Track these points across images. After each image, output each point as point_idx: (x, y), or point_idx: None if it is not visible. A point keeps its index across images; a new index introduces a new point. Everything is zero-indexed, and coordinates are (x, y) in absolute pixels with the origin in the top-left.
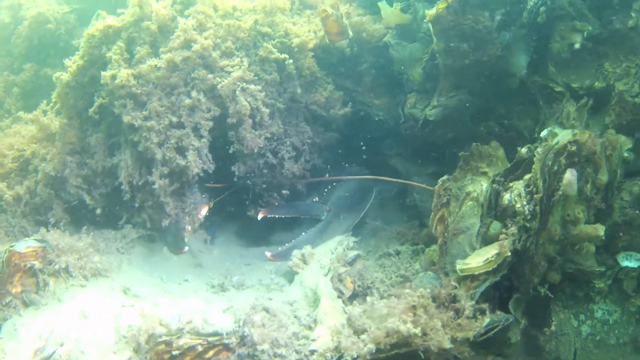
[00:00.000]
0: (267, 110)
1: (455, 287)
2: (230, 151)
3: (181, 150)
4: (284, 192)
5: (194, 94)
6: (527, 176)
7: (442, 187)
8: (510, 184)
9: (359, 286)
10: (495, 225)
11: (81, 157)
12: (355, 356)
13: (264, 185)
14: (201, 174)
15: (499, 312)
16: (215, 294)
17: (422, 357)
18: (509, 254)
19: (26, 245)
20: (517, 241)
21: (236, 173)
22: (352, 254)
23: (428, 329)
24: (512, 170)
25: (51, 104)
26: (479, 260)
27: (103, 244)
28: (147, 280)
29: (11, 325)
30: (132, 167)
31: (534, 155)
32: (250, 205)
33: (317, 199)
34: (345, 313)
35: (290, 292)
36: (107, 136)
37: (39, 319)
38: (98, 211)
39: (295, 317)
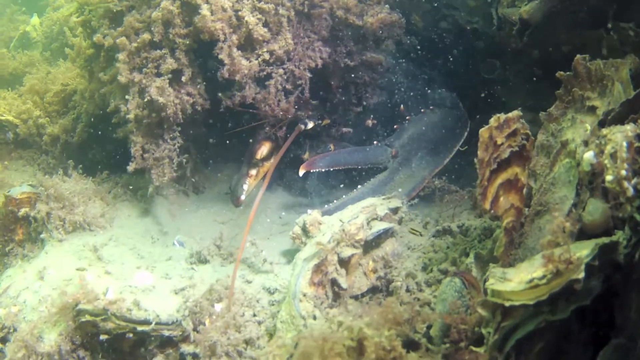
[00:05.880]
0: (253, 19)
1: (482, 320)
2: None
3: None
4: (345, 129)
5: (164, 2)
6: None
7: (504, 130)
8: (604, 132)
9: (380, 277)
10: (594, 207)
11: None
12: None
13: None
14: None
15: None
16: (192, 265)
17: None
18: (580, 275)
19: (21, 191)
20: (622, 245)
21: (223, 104)
22: (378, 227)
23: None
24: (635, 103)
25: None
26: (521, 277)
27: (119, 190)
28: (133, 240)
29: (2, 277)
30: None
31: None
32: (304, 147)
33: (376, 142)
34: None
35: (281, 275)
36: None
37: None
38: None
39: (272, 313)
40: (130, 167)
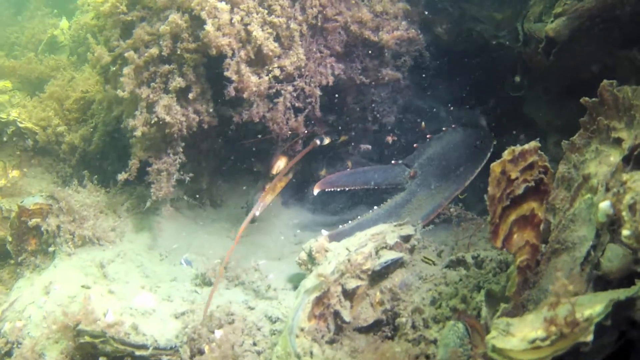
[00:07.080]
0: (262, 34)
1: None
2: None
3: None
4: (363, 146)
5: (172, 16)
6: None
7: (519, 164)
8: (624, 177)
9: (386, 310)
10: (614, 253)
11: None
12: None
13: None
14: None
15: None
16: (195, 288)
17: None
18: (588, 338)
19: (34, 202)
20: None
21: (234, 120)
22: (387, 257)
23: None
24: None
25: None
26: (525, 334)
27: (133, 202)
28: (140, 256)
29: (13, 287)
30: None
31: None
32: (321, 164)
33: (394, 161)
34: None
35: (285, 303)
36: None
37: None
38: None
39: (273, 343)
40: (121, 177)
